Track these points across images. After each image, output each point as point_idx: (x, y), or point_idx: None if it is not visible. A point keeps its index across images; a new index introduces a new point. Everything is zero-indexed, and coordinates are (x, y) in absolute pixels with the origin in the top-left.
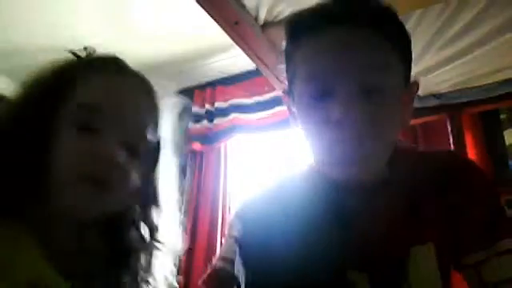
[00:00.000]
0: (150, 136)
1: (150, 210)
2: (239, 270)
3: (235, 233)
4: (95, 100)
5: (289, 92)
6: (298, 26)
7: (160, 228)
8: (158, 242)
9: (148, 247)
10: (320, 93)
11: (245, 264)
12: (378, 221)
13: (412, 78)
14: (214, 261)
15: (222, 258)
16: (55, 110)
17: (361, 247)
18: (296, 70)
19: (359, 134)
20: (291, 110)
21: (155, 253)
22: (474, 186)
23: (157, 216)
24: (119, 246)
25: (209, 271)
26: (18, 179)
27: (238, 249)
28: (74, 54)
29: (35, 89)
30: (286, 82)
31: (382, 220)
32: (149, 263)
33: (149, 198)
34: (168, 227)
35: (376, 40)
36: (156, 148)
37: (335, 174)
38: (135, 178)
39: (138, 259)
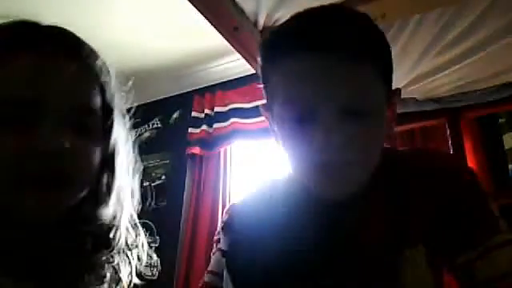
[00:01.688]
0: (96, 104)
1: (105, 178)
2: (228, 285)
3: (222, 246)
4: (16, 89)
5: (268, 108)
6: (275, 48)
7: (115, 193)
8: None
9: (104, 220)
10: (301, 117)
11: (233, 279)
12: (367, 228)
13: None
14: (204, 275)
15: (211, 272)
16: None
17: (352, 256)
18: (274, 91)
19: (342, 159)
20: (272, 125)
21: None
22: (460, 186)
23: (110, 183)
24: (75, 225)
25: (199, 286)
26: None
27: (225, 263)
28: None
29: None
30: (265, 99)
31: (370, 227)
32: (108, 234)
33: (105, 167)
34: (123, 192)
35: (355, 62)
36: (108, 113)
37: (318, 192)
38: (93, 157)
39: (95, 234)
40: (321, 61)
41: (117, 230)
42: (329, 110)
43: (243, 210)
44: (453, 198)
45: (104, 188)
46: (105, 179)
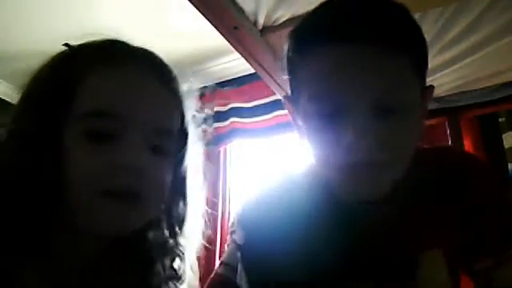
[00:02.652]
0: (175, 128)
1: (177, 204)
2: (242, 279)
3: (237, 239)
4: (104, 103)
5: (292, 101)
6: (305, 39)
7: (186, 222)
8: (182, 239)
9: (172, 248)
10: (330, 113)
11: (248, 273)
12: (386, 228)
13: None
14: (217, 266)
15: (224, 264)
16: (57, 122)
17: (369, 255)
18: (302, 85)
19: (373, 160)
20: (295, 119)
21: (181, 252)
22: (484, 189)
23: (183, 210)
24: (141, 251)
25: (211, 277)
26: (28, 211)
27: (240, 257)
28: (69, 46)
29: (32, 96)
30: (290, 90)
31: (389, 227)
32: (172, 263)
33: (176, 192)
34: (192, 220)
35: (392, 55)
36: (184, 138)
37: (342, 193)
38: (167, 178)
39: (162, 262)
40: (352, 55)
41: (183, 261)
42: (362, 106)
43: (260, 204)
44: (475, 202)
45: (178, 215)
46: (180, 207)
